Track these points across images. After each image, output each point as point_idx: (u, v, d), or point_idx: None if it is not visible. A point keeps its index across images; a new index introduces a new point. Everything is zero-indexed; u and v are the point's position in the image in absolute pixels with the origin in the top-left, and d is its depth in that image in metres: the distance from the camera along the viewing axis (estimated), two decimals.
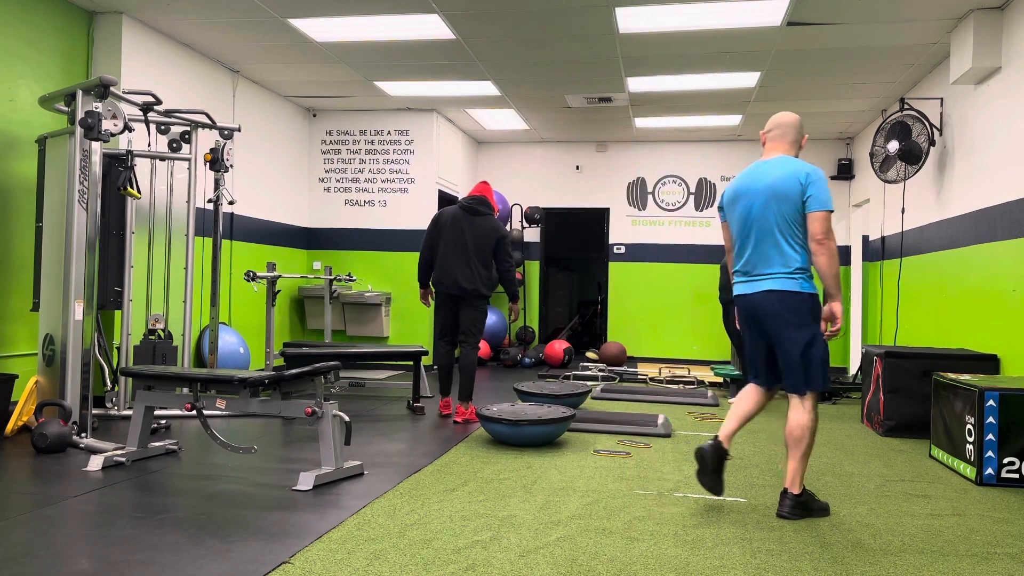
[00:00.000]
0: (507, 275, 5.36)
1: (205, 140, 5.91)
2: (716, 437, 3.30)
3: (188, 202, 5.52)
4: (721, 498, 3.48)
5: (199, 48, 6.38)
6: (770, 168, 3.27)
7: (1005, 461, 3.83)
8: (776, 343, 3.25)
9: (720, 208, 3.50)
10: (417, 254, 8.35)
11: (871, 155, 6.66)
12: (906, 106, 6.34)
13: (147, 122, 5.09)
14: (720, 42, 5.92)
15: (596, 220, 10.32)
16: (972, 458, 3.91)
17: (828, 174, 9.42)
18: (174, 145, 5.47)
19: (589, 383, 6.83)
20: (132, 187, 4.92)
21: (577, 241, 12.15)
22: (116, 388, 5.32)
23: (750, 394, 3.39)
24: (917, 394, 4.97)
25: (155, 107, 5.06)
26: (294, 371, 3.61)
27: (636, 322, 9.84)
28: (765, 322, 3.26)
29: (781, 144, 3.36)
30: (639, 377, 7.71)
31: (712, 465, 3.25)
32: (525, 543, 2.81)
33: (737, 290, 3.37)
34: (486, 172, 10.17)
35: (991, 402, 3.84)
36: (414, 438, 4.72)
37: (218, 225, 5.70)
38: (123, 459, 3.86)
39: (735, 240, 3.37)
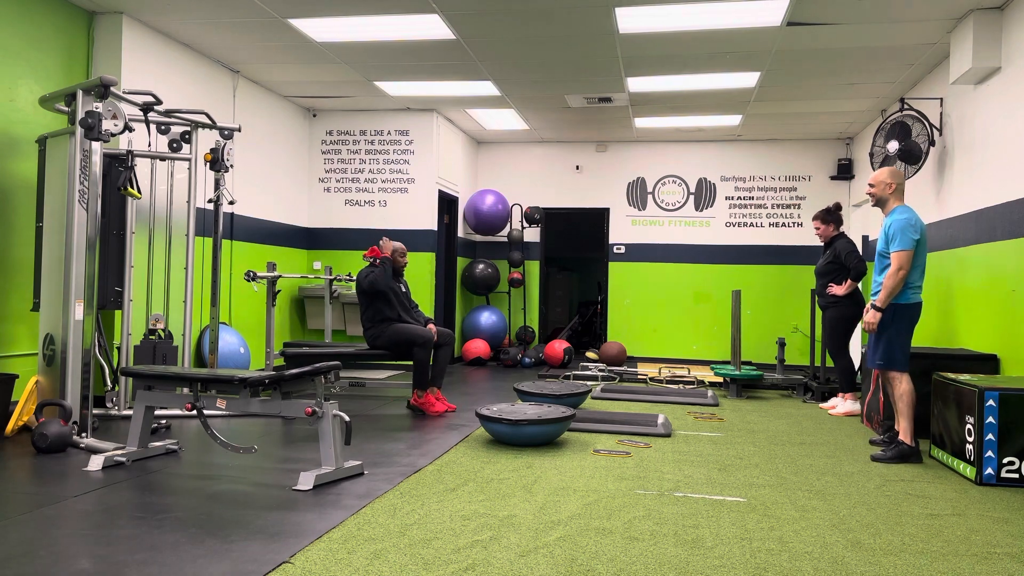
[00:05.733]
0: None
1: (205, 140, 5.90)
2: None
3: (188, 202, 5.53)
4: (721, 498, 3.48)
5: (199, 48, 6.38)
6: None
7: (1005, 461, 3.83)
8: None
9: (917, 241, 4.37)
10: (416, 254, 8.36)
11: (871, 155, 6.66)
12: (906, 106, 6.34)
13: (147, 122, 5.09)
14: (720, 42, 5.92)
15: (596, 220, 10.31)
16: (972, 458, 3.91)
17: (828, 174, 9.43)
18: (174, 145, 5.47)
19: (589, 383, 6.83)
20: (132, 187, 4.92)
21: (577, 241, 12.14)
22: (116, 388, 5.32)
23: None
24: (917, 394, 4.96)
25: (155, 107, 5.06)
26: (294, 371, 3.61)
27: (636, 322, 9.84)
28: None
29: None
30: (639, 377, 7.71)
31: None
32: (525, 543, 2.81)
33: (919, 298, 4.45)
34: (486, 172, 10.18)
35: (991, 402, 3.84)
36: (414, 438, 4.73)
37: (218, 225, 5.70)
38: (123, 459, 3.86)
39: (921, 263, 4.42)
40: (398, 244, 5.85)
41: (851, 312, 6.03)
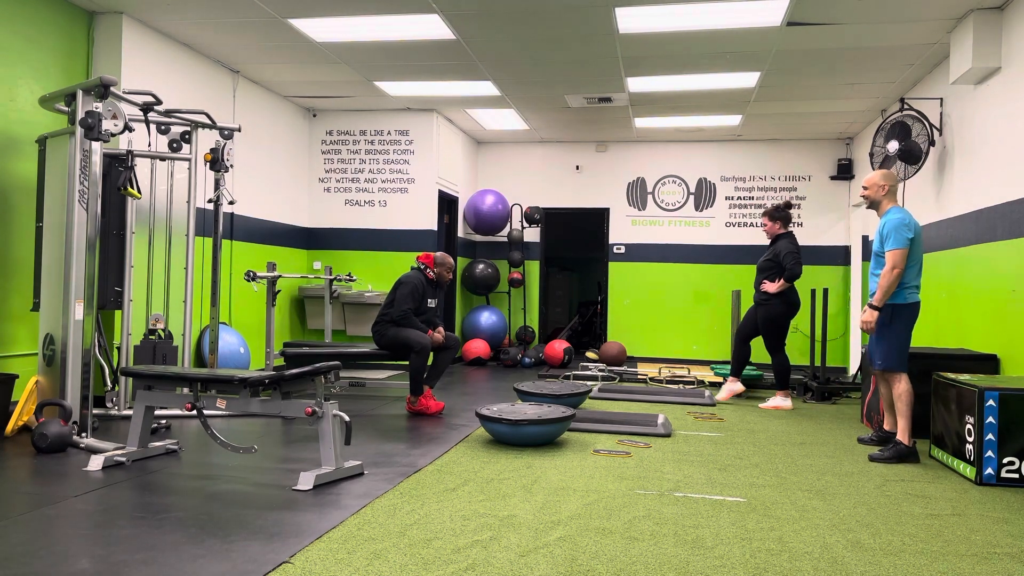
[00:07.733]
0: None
1: (205, 140, 5.90)
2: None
3: (188, 202, 5.53)
4: (721, 498, 3.48)
5: (199, 48, 6.38)
6: None
7: (1005, 461, 3.83)
8: None
9: (911, 239, 4.36)
10: (417, 253, 8.34)
11: (871, 155, 6.66)
12: (906, 106, 6.34)
13: (147, 122, 5.09)
14: (720, 42, 5.92)
15: (596, 220, 10.31)
16: (972, 458, 3.91)
17: (828, 174, 9.43)
18: (174, 145, 5.47)
19: (589, 383, 6.82)
20: (132, 187, 4.92)
21: (577, 241, 12.14)
22: (116, 388, 5.32)
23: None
24: (917, 394, 4.96)
25: (155, 107, 5.06)
26: (294, 371, 3.61)
27: (636, 322, 9.84)
28: None
29: None
30: (639, 377, 7.71)
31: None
32: (525, 543, 2.81)
33: (918, 298, 4.44)
34: (486, 172, 10.18)
35: (991, 402, 3.84)
36: (414, 438, 4.73)
37: (218, 225, 5.70)
38: (123, 459, 3.86)
39: (917, 263, 4.42)
40: (448, 259, 5.91)
41: (780, 311, 6.16)
